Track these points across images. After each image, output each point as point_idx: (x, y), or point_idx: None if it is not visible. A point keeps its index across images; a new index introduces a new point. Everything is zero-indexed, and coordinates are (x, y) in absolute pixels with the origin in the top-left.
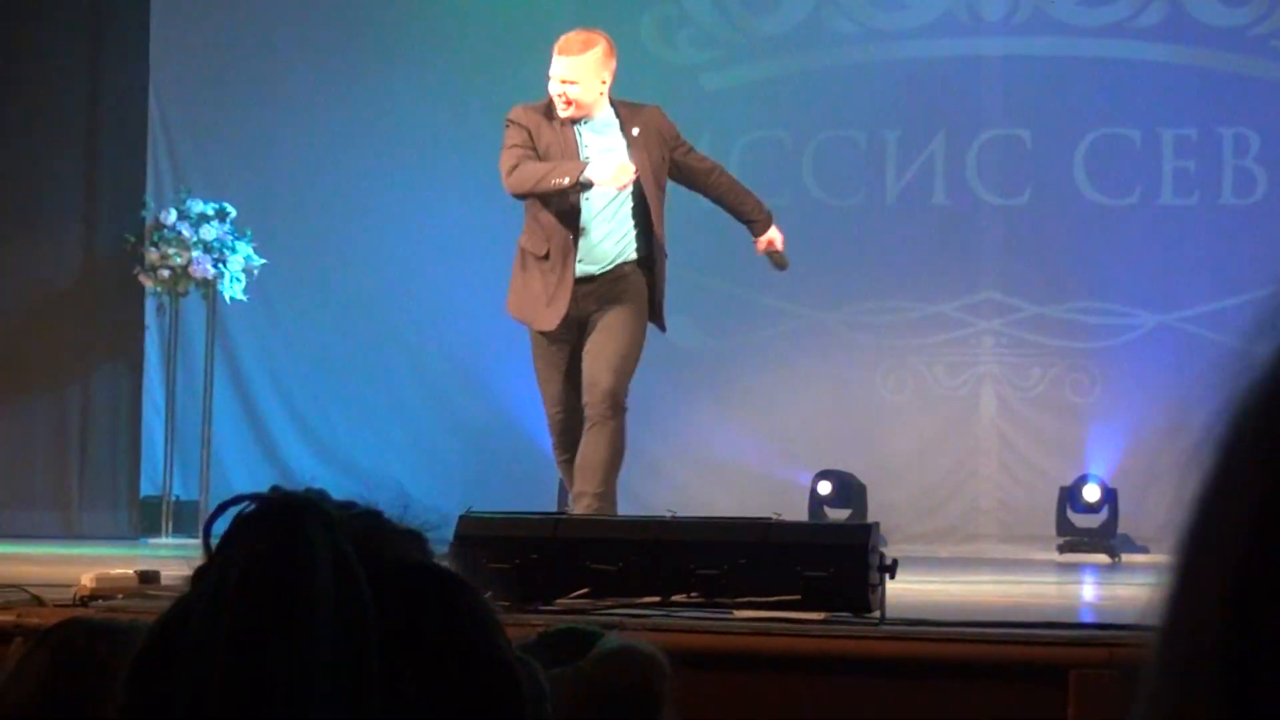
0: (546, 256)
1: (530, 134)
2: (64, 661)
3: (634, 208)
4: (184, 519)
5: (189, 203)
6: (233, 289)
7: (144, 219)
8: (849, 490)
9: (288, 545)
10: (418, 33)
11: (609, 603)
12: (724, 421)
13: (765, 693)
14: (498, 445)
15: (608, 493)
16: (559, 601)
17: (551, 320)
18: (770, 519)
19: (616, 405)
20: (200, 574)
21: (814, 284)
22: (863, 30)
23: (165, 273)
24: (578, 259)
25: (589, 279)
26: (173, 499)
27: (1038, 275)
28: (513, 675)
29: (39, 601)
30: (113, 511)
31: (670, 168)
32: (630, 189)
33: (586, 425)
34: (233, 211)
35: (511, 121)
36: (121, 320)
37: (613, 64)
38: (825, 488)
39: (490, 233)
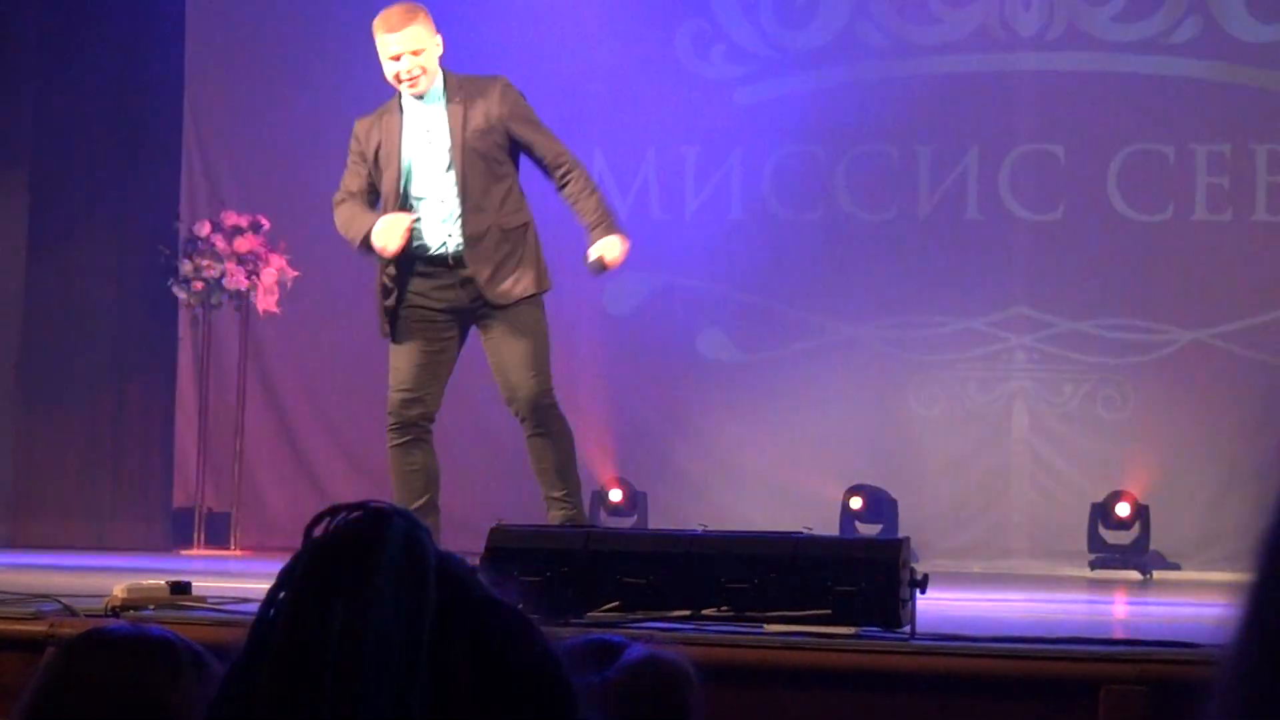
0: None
1: (360, 145)
2: (78, 670)
3: (457, 190)
4: (216, 530)
5: (223, 215)
6: (266, 301)
7: (178, 231)
8: (880, 505)
9: (366, 523)
10: (455, 48)
11: (639, 616)
12: (755, 435)
13: (795, 707)
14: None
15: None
16: (589, 615)
17: None
18: (801, 533)
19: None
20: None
21: (846, 298)
22: (896, 45)
23: (199, 284)
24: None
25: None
26: (205, 510)
27: (1070, 291)
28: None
29: (71, 612)
30: (145, 522)
31: (517, 146)
32: (447, 167)
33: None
34: (266, 224)
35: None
36: (155, 332)
37: (437, 34)
38: (856, 502)
39: None
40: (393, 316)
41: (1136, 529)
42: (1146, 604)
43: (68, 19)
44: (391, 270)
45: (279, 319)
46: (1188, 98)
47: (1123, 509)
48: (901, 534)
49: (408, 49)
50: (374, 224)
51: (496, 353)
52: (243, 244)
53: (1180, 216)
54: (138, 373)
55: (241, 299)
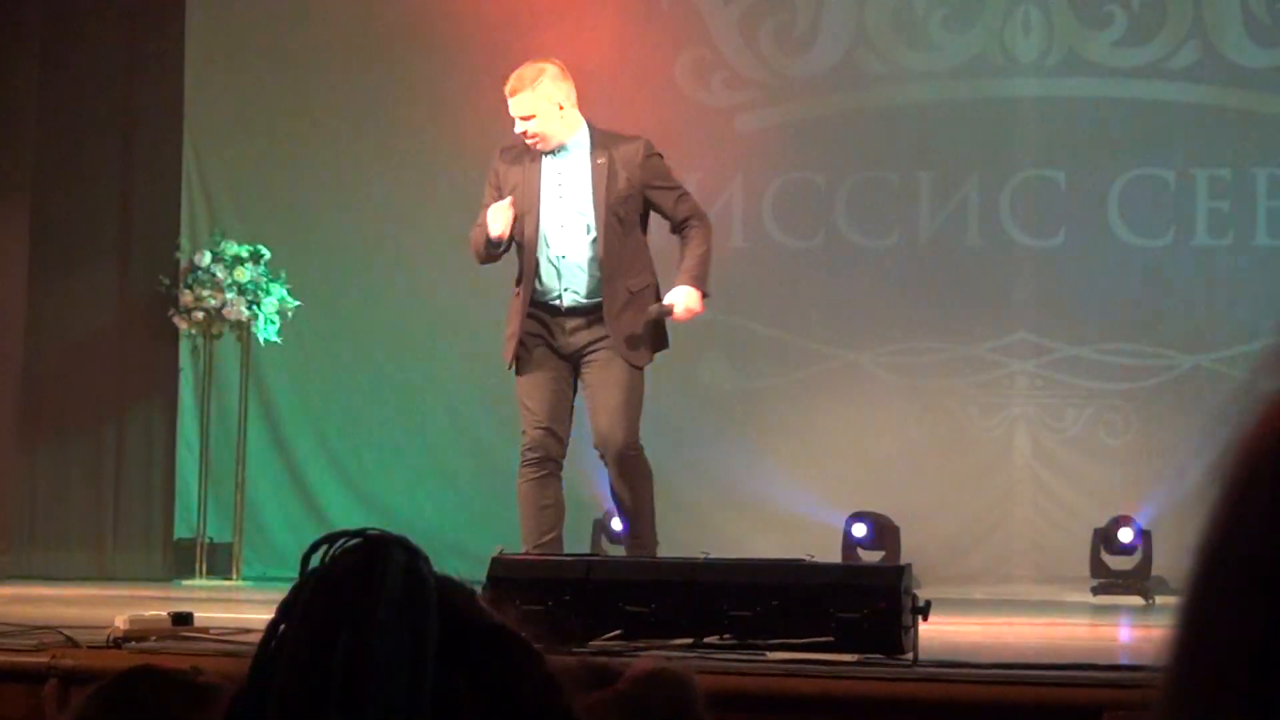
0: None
1: (498, 179)
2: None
3: (597, 255)
4: (218, 561)
5: (223, 245)
6: (267, 331)
7: (178, 261)
8: (882, 532)
9: (365, 552)
10: (456, 77)
11: (642, 644)
12: (757, 462)
13: None
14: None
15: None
16: (592, 643)
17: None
18: (803, 560)
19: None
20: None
21: (847, 325)
22: (896, 71)
23: (199, 315)
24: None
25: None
26: (207, 540)
27: (1072, 316)
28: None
29: (72, 643)
30: (146, 553)
31: (646, 204)
32: (585, 227)
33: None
34: (267, 254)
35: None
36: (156, 362)
37: (565, 85)
38: (859, 529)
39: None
40: (521, 353)
41: (1139, 554)
42: (1149, 629)
43: (67, 48)
44: (521, 308)
45: (280, 349)
46: (1188, 122)
47: (1125, 534)
48: (904, 561)
49: (520, 114)
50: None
51: (593, 397)
52: (243, 274)
53: (1181, 241)
54: (139, 403)
55: (242, 329)
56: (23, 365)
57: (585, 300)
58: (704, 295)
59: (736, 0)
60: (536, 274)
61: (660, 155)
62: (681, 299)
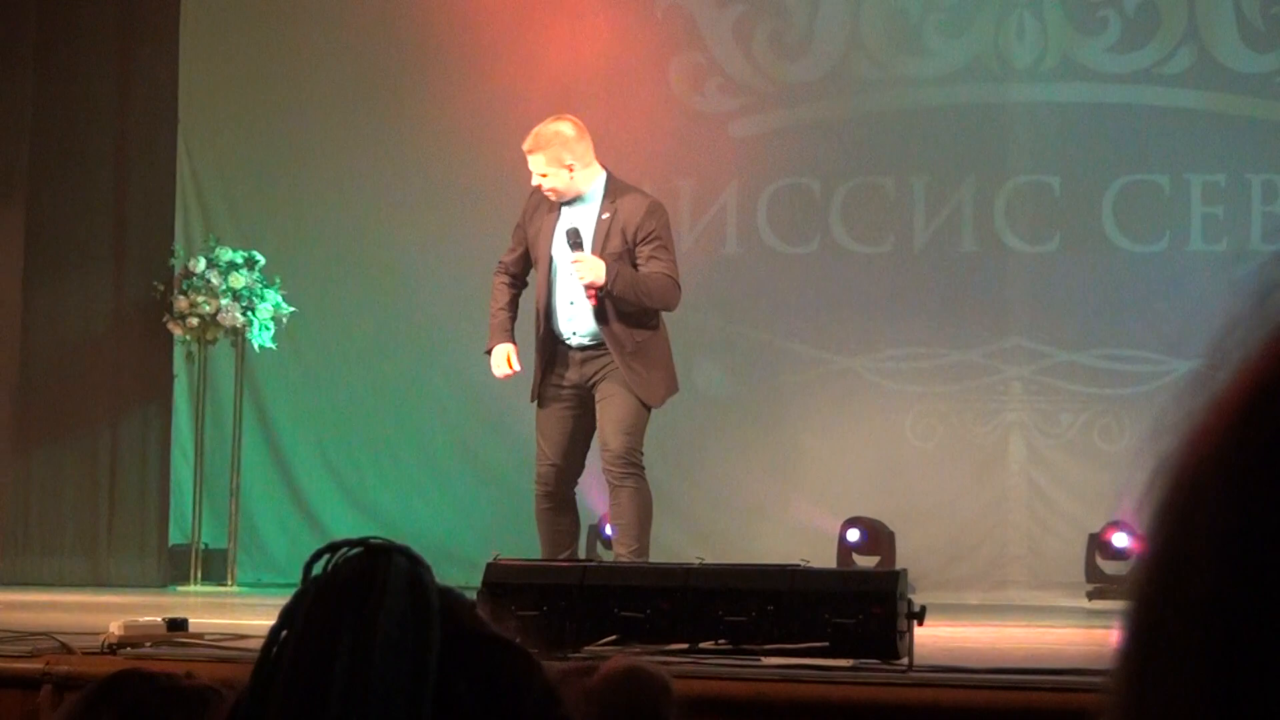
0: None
1: (524, 220)
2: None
3: (594, 306)
4: (212, 567)
5: (218, 251)
6: (261, 337)
7: (173, 267)
8: (877, 537)
9: (368, 560)
10: (448, 83)
11: (637, 649)
12: (751, 468)
13: None
14: (525, 492)
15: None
16: (587, 649)
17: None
18: (798, 566)
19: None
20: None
21: (842, 330)
22: (891, 77)
23: (194, 320)
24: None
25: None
26: (201, 547)
27: (1066, 322)
28: None
29: (67, 649)
30: (141, 559)
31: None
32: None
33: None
34: (261, 260)
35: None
36: (150, 368)
37: (580, 146)
38: (854, 534)
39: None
40: (540, 390)
41: (1134, 559)
42: None
43: (62, 53)
44: (539, 346)
45: (274, 355)
46: (1182, 128)
47: (1120, 539)
48: (899, 566)
49: (537, 171)
50: (493, 349)
51: (602, 414)
52: (238, 280)
53: (1176, 247)
54: (133, 409)
55: (237, 335)
56: (18, 371)
57: (590, 343)
58: (608, 285)
59: (731, 6)
60: (551, 315)
61: (660, 213)
62: (591, 262)
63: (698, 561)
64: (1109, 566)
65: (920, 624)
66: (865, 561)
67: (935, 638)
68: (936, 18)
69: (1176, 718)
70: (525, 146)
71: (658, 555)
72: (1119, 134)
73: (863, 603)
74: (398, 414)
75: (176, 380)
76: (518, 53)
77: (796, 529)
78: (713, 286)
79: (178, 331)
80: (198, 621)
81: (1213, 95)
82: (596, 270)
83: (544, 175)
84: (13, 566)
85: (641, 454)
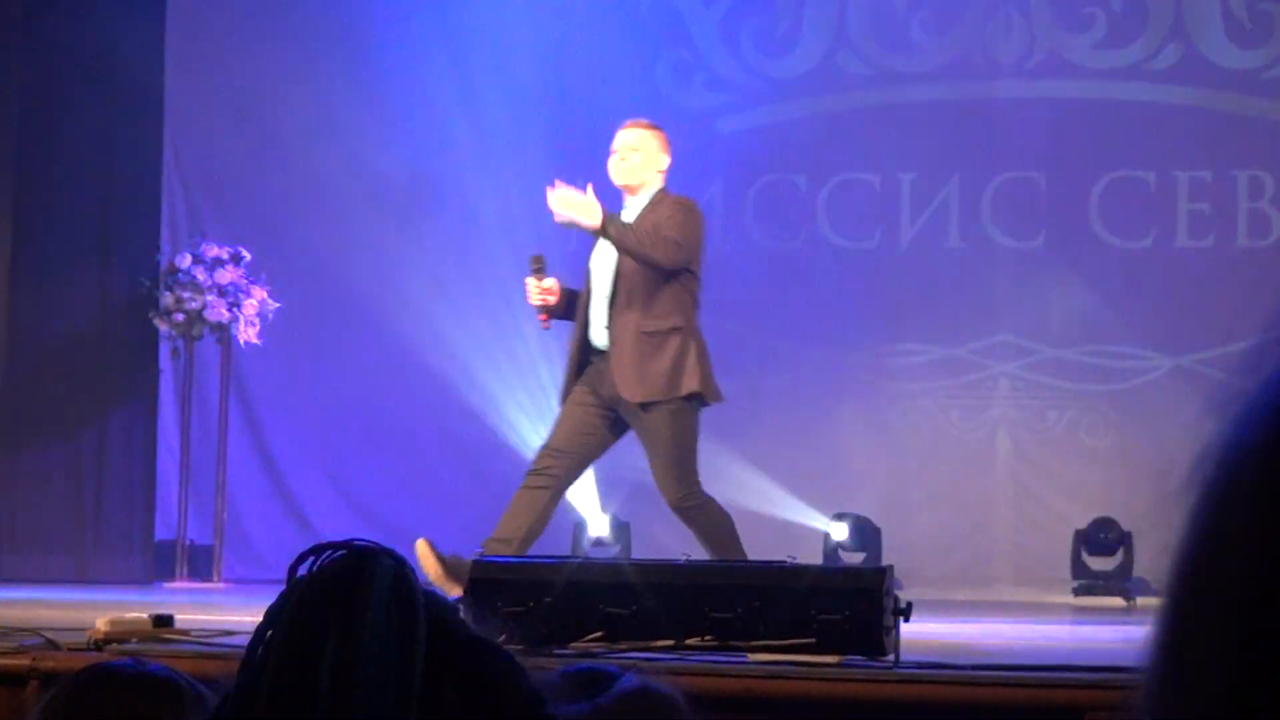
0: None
1: None
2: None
3: (610, 287)
4: (198, 563)
5: (203, 247)
6: (247, 333)
7: (159, 263)
8: (864, 533)
9: (353, 561)
10: (433, 80)
11: (623, 646)
12: (737, 465)
13: None
14: (512, 487)
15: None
16: (573, 645)
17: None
18: (785, 562)
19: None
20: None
21: (828, 326)
22: (877, 73)
23: (180, 316)
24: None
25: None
26: (187, 543)
27: (1053, 318)
28: None
29: (53, 645)
30: (127, 555)
31: None
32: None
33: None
34: (247, 255)
35: None
36: (136, 364)
37: (666, 151)
38: (840, 531)
39: (503, 277)
40: (567, 387)
41: (1120, 555)
42: (1130, 630)
43: (48, 50)
44: (571, 344)
45: (261, 351)
46: (1169, 124)
47: (1106, 535)
48: (885, 562)
49: (627, 145)
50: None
51: (646, 453)
52: (224, 276)
53: (1162, 243)
54: (119, 405)
55: (223, 331)
56: (3, 367)
57: (604, 343)
58: (602, 225)
59: (717, 2)
60: (586, 308)
61: (685, 203)
62: (576, 196)
63: (684, 558)
64: (1095, 563)
65: (906, 620)
66: (851, 558)
67: (921, 634)
68: (922, 14)
69: (1209, 696)
70: (628, 122)
71: (643, 551)
72: (1105, 130)
73: (849, 599)
74: (383, 409)
75: (162, 376)
76: (506, 49)
77: (783, 525)
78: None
79: (163, 327)
80: (184, 617)
81: (1199, 91)
82: (591, 211)
83: (633, 151)
84: None
85: (693, 490)
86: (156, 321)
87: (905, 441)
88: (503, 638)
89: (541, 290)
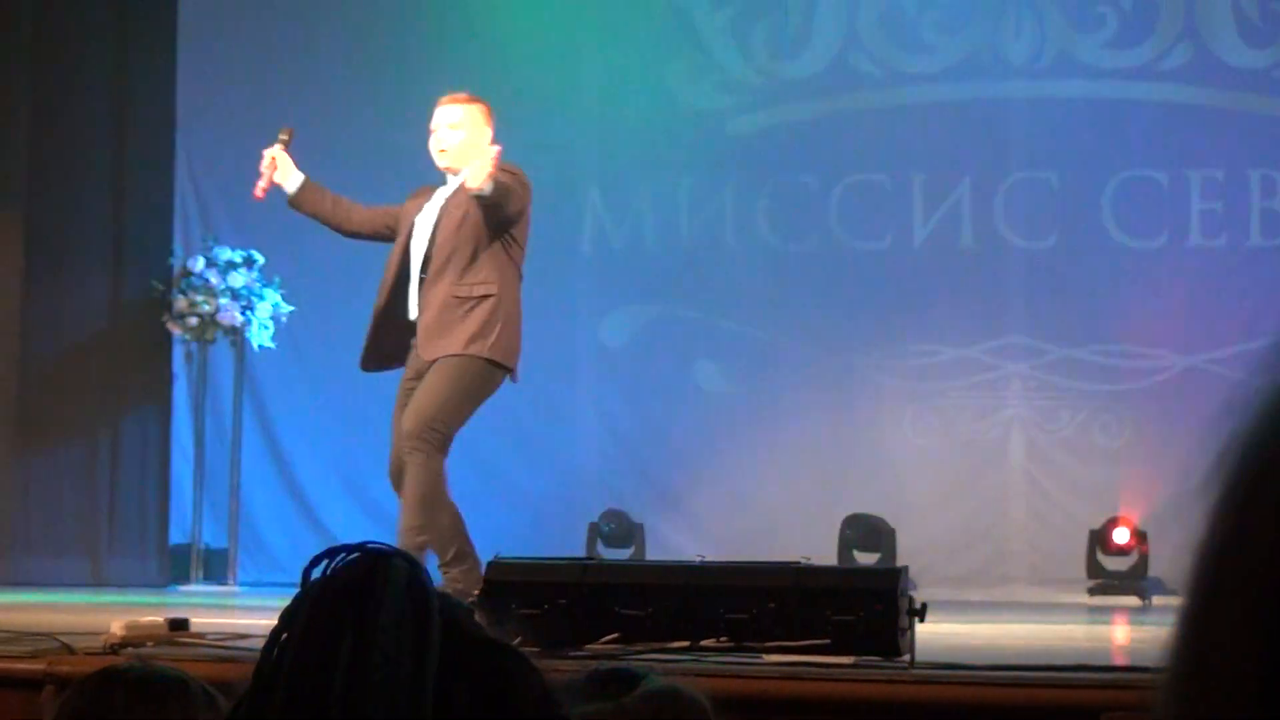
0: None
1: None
2: (94, 709)
3: (423, 256)
4: (213, 566)
5: (216, 250)
6: (261, 336)
7: (172, 266)
8: (878, 534)
9: (367, 563)
10: (446, 83)
11: (638, 648)
12: (752, 465)
13: None
14: (525, 490)
15: (424, 525)
16: (589, 647)
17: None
18: (799, 563)
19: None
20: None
21: (840, 326)
22: (888, 74)
23: (193, 320)
24: None
25: None
26: (202, 547)
27: (1065, 318)
28: None
29: (69, 649)
30: (141, 559)
31: (497, 219)
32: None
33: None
34: (260, 259)
35: None
36: (150, 367)
37: (491, 124)
38: (854, 531)
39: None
40: (364, 357)
41: (1135, 555)
42: (1146, 629)
43: (60, 53)
44: (377, 317)
45: (274, 354)
46: (1180, 124)
47: (1121, 535)
48: (900, 563)
49: (448, 122)
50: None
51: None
52: (237, 279)
53: (1174, 242)
54: (133, 408)
55: (236, 334)
56: (17, 371)
57: (415, 314)
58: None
59: (728, 3)
60: (398, 286)
61: (511, 170)
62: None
63: (699, 559)
64: (1110, 562)
65: (921, 621)
66: (866, 559)
67: (936, 634)
68: (933, 14)
69: (1236, 695)
70: (445, 98)
71: (658, 553)
72: (1117, 130)
73: (864, 600)
74: None
75: (176, 380)
76: (518, 53)
77: (797, 526)
78: (711, 284)
79: (177, 331)
80: (199, 621)
81: (1211, 91)
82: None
83: (454, 127)
84: (12, 567)
85: (433, 432)
86: (170, 325)
87: (918, 442)
88: (518, 640)
89: (271, 161)
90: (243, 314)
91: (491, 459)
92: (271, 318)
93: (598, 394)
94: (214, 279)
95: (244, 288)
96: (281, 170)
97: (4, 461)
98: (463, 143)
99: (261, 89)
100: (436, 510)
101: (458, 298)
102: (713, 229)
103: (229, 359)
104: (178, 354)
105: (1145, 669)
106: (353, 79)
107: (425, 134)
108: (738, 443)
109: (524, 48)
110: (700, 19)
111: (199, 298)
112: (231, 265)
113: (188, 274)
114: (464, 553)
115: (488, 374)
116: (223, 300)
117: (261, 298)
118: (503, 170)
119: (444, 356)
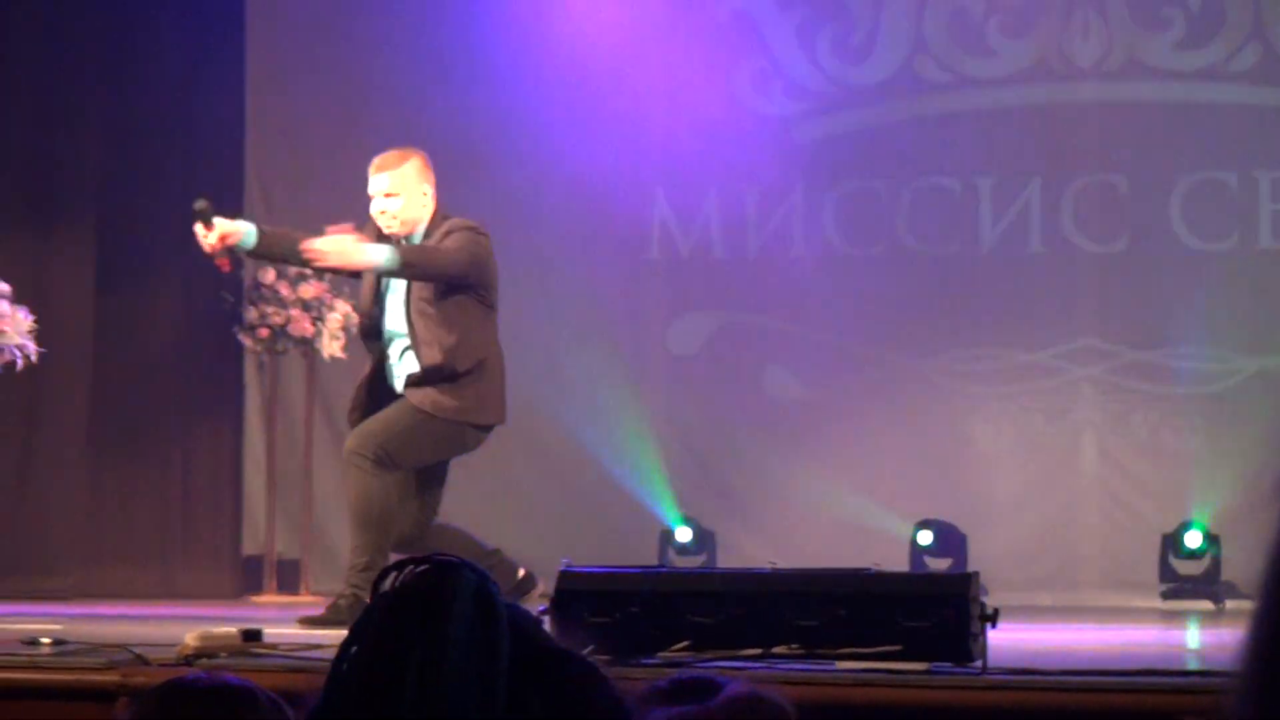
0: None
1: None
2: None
3: (408, 332)
4: (286, 577)
5: None
6: (331, 347)
7: (242, 278)
8: (949, 539)
9: (436, 575)
10: (519, 100)
11: (710, 655)
12: (822, 471)
13: None
14: (593, 496)
15: (361, 545)
16: (660, 654)
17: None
18: (870, 569)
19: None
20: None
21: (910, 332)
22: (955, 78)
23: (264, 331)
24: None
25: None
26: (275, 557)
27: (1136, 321)
28: None
29: (143, 661)
30: (214, 570)
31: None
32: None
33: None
34: None
35: None
36: (221, 378)
37: (430, 174)
38: (925, 537)
39: (576, 292)
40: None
41: (1208, 559)
42: (1220, 633)
43: (130, 68)
44: (366, 379)
45: (345, 364)
46: (1249, 125)
47: (1193, 539)
48: (971, 568)
49: (382, 191)
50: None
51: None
52: (307, 290)
53: (1244, 244)
54: (205, 420)
55: (307, 345)
56: (90, 383)
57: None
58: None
59: (794, 9)
60: (384, 357)
61: (466, 229)
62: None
63: (770, 566)
64: (1182, 566)
65: (994, 626)
66: (937, 564)
67: (1009, 640)
68: (999, 18)
69: None
70: (375, 164)
71: (728, 560)
72: (1185, 132)
73: (935, 606)
74: None
75: (247, 391)
76: (588, 69)
77: (867, 533)
78: (780, 290)
79: (248, 343)
80: (272, 632)
81: (1279, 91)
82: (243, 235)
83: (390, 196)
84: (86, 579)
85: (371, 454)
86: (241, 337)
87: (989, 447)
88: (590, 648)
89: (211, 241)
90: (313, 325)
91: (558, 466)
92: (342, 328)
93: (667, 402)
94: (284, 290)
95: (314, 299)
96: (230, 235)
97: (77, 475)
98: (403, 207)
99: (330, 102)
100: (374, 530)
101: (434, 365)
102: (781, 235)
103: (300, 370)
104: (248, 365)
105: (1219, 673)
106: (423, 91)
107: (491, 142)
108: (808, 448)
109: (591, 55)
110: (766, 25)
111: (269, 309)
112: (302, 276)
113: (258, 285)
114: (376, 565)
115: (454, 433)
116: (293, 311)
117: (331, 309)
118: (446, 234)
119: (413, 401)
